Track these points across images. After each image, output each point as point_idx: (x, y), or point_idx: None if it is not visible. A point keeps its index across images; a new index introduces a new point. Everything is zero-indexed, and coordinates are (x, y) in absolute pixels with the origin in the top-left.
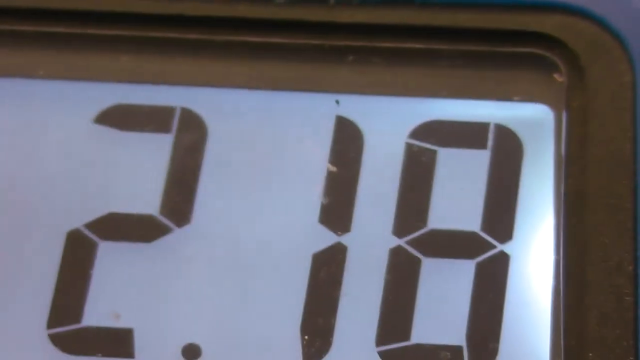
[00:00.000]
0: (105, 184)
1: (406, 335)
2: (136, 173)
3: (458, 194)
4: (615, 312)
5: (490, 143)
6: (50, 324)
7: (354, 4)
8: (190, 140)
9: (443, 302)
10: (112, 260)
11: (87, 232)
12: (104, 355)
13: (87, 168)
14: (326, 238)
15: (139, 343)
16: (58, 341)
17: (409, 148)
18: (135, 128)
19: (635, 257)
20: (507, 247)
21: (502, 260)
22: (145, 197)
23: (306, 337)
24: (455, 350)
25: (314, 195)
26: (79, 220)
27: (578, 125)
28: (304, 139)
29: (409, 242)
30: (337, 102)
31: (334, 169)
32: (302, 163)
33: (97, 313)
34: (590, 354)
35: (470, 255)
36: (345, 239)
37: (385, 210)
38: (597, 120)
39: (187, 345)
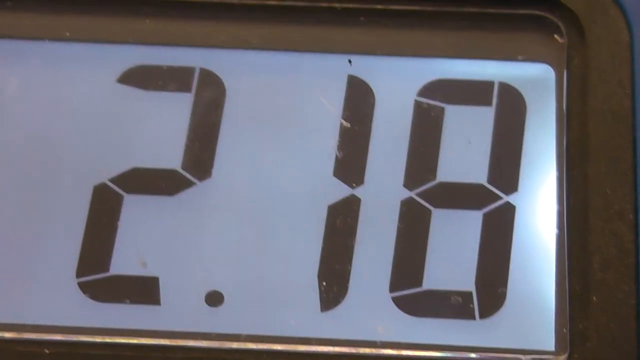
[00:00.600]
0: (129, 141)
1: (418, 282)
2: (159, 130)
3: (465, 148)
4: (617, 258)
5: (495, 100)
6: (79, 273)
7: None
8: (209, 98)
9: (453, 250)
10: (137, 213)
11: (112, 186)
12: (131, 302)
13: (111, 126)
14: (341, 190)
15: (165, 290)
16: (87, 289)
17: (418, 105)
18: (156, 87)
19: (636, 206)
20: (512, 198)
21: (508, 211)
22: (167, 152)
23: (324, 283)
24: (465, 295)
25: (328, 149)
26: (104, 174)
27: (578, 82)
28: (317, 97)
29: (419, 194)
30: (350, 61)
31: (347, 124)
32: (316, 120)
33: (124, 262)
34: (594, 297)
35: (477, 206)
36: (358, 191)
37: (397, 164)
38: (597, 77)
39: (210, 292)
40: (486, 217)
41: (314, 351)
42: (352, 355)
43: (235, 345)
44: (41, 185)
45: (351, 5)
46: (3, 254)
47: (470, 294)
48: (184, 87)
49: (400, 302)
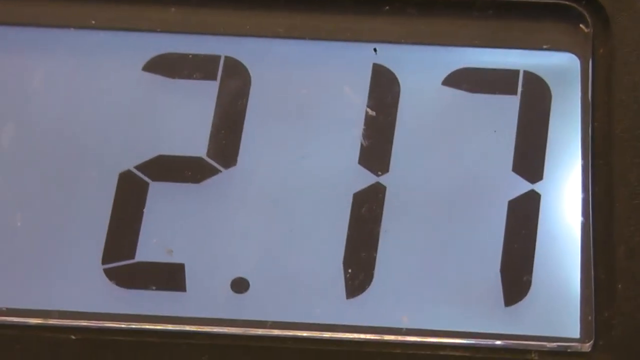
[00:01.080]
0: (155, 129)
1: (444, 269)
2: (184, 118)
3: (490, 137)
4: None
5: (520, 89)
6: (105, 260)
7: None
8: (234, 86)
9: (478, 238)
10: (162, 200)
11: (138, 173)
12: (156, 289)
13: (137, 114)
14: (366, 178)
15: (190, 277)
16: (113, 276)
17: (443, 94)
18: (182, 75)
19: None
20: (538, 187)
21: (534, 199)
22: (193, 140)
23: (349, 270)
24: (491, 282)
25: (353, 138)
26: (130, 162)
27: (603, 72)
28: (342, 85)
29: (444, 183)
30: (375, 50)
31: (372, 113)
32: (341, 108)
33: (149, 249)
34: (620, 286)
35: (502, 195)
36: (384, 179)
37: (421, 152)
38: (622, 67)
39: (236, 279)
40: (511, 205)
41: (339, 338)
42: (377, 342)
43: (260, 331)
44: (67, 173)
45: None
46: (29, 240)
47: (496, 281)
48: (210, 75)
49: (425, 288)
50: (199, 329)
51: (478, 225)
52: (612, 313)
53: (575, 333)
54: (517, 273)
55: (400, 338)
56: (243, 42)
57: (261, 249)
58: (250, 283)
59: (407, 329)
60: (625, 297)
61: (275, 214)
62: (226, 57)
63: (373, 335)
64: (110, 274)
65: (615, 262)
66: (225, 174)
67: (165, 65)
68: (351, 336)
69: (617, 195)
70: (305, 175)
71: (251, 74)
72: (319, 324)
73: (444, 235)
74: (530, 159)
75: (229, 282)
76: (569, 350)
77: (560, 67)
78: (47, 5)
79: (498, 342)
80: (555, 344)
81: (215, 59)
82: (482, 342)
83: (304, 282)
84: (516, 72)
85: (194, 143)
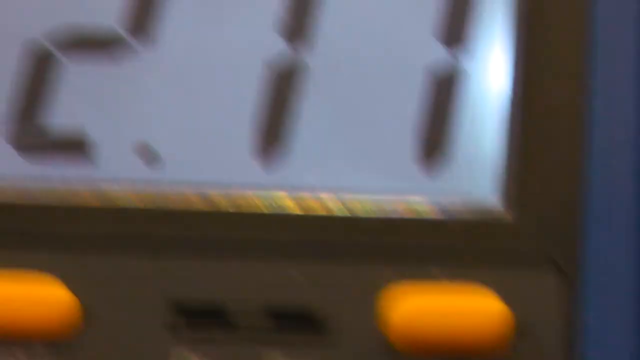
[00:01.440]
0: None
1: (360, 137)
2: None
3: (412, 5)
4: (566, 116)
5: None
6: (7, 126)
7: None
8: None
9: (396, 105)
10: (72, 71)
11: (45, 42)
12: (63, 161)
13: None
14: (284, 50)
15: (99, 150)
16: (16, 144)
17: None
18: None
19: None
20: (460, 54)
21: (455, 66)
22: (106, 12)
23: (263, 137)
24: (409, 150)
25: (274, 10)
26: (37, 30)
27: None
28: None
29: (364, 53)
30: None
31: None
32: None
33: (54, 116)
34: (544, 157)
35: (423, 62)
36: (302, 51)
37: (342, 23)
38: None
39: (144, 144)
40: (432, 72)
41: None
42: (293, 201)
43: (173, 202)
44: None
45: None
46: None
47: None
48: None
49: (339, 158)
50: (107, 203)
51: (396, 93)
52: (534, 184)
53: (497, 204)
54: (436, 142)
55: (314, 196)
56: None
57: (171, 116)
58: (163, 155)
59: (322, 187)
60: (548, 169)
61: (191, 88)
62: None
63: (287, 193)
64: (13, 142)
65: (542, 132)
66: (139, 48)
67: None
68: (264, 194)
69: (546, 65)
70: (221, 46)
71: None
72: (231, 185)
73: (361, 103)
74: (454, 27)
75: (140, 155)
76: (489, 221)
77: None
78: None
79: (416, 209)
80: (475, 213)
81: None
82: (399, 211)
83: (214, 146)
84: None
85: (108, 15)
